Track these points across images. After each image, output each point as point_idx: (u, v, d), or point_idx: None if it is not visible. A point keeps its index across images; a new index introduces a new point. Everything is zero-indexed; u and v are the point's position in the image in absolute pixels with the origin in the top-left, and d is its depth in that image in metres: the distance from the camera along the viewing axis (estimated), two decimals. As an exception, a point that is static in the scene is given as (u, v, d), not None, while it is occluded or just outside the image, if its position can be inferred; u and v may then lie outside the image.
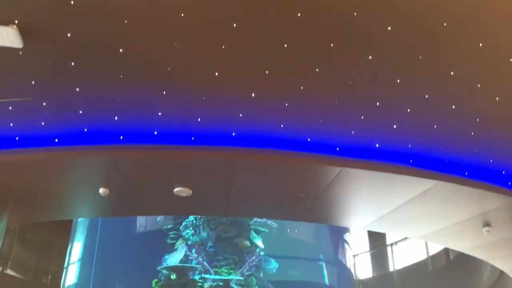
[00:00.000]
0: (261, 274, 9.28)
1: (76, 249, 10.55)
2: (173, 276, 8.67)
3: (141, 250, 9.63)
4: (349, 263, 11.60)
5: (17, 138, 4.05)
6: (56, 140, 4.05)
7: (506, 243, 5.75)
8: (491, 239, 5.64)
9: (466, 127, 4.47)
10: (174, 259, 8.93)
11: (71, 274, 10.23)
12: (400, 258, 12.65)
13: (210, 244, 9.06)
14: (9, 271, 10.09)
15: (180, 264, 8.74)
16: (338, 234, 11.45)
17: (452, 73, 3.95)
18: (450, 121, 4.38)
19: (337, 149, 4.37)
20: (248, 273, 8.95)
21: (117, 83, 3.80)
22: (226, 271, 8.77)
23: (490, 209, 4.98)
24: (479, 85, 4.09)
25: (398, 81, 3.98)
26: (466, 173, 4.63)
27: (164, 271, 8.78)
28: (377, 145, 4.40)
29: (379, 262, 13.25)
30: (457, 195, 4.78)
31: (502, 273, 7.74)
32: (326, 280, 10.54)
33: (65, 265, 10.48)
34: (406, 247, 12.76)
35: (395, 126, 4.32)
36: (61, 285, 10.29)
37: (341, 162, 4.38)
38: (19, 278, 10.83)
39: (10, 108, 3.88)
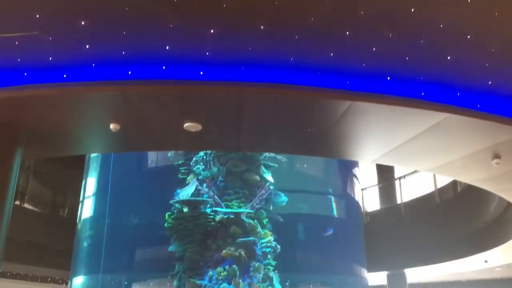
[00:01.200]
0: (271, 207, 9.50)
1: (90, 184, 10.82)
2: (185, 210, 8.91)
3: (153, 185, 9.85)
4: (358, 196, 11.80)
5: (25, 74, 4.04)
6: (65, 76, 4.03)
7: (514, 175, 5.79)
8: (500, 171, 5.67)
9: (480, 58, 4.37)
10: (185, 193, 9.13)
11: (87, 208, 10.56)
12: (408, 191, 12.85)
13: (221, 179, 9.22)
14: (26, 205, 10.46)
15: (191, 198, 8.95)
16: (347, 168, 11.57)
17: (469, 0, 3.80)
18: (465, 52, 4.28)
19: (348, 82, 4.32)
20: (258, 206, 9.15)
21: (124, 17, 3.72)
22: (237, 204, 8.98)
23: (501, 141, 4.97)
24: (496, 14, 3.94)
25: (412, 10, 3.85)
26: (478, 106, 4.57)
27: (177, 205, 9.00)
28: (388, 78, 4.34)
29: (387, 195, 13.50)
30: (468, 128, 4.76)
31: (509, 204, 7.86)
32: (335, 213, 10.79)
33: (81, 199, 10.80)
34: (414, 181, 12.92)
35: (407, 58, 4.23)
36: (78, 218, 10.66)
37: (351, 96, 4.33)
38: (37, 211, 11.26)
39: (16, 43, 3.84)
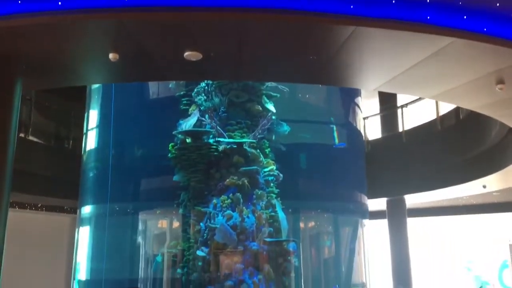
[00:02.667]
0: (273, 137, 9.57)
1: (93, 117, 10.84)
2: (188, 140, 8.99)
3: (155, 116, 9.86)
4: (359, 125, 11.84)
5: (19, 2, 3.92)
6: (60, 3, 3.91)
7: (517, 101, 5.77)
8: (504, 97, 5.64)
9: (490, -21, 4.21)
10: (188, 124, 9.17)
11: (91, 140, 10.67)
12: (410, 120, 12.87)
13: (223, 109, 9.22)
14: (31, 138, 10.55)
15: (194, 129, 9.00)
16: (349, 98, 11.51)
17: None
18: (474, -28, 4.11)
19: (351, 6, 4.19)
20: (260, 136, 9.22)
21: None
22: (239, 134, 9.04)
23: (506, 66, 4.90)
24: None
25: None
26: (485, 29, 4.46)
27: (180, 136, 9.07)
28: (393, 1, 4.20)
29: (389, 124, 13.53)
30: (474, 52, 4.67)
31: (509, 131, 7.89)
32: (336, 141, 10.88)
33: (84, 131, 10.87)
34: (416, 109, 12.89)
35: (414, -21, 4.08)
36: (83, 149, 10.79)
37: (355, 21, 4.22)
38: (42, 144, 11.37)
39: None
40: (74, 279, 9.92)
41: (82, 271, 9.79)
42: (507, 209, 14.55)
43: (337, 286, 9.64)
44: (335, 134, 10.99)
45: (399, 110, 13.05)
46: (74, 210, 11.82)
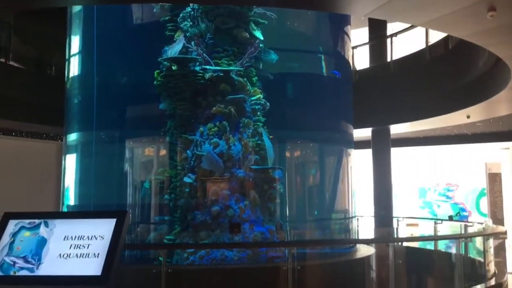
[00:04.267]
0: (261, 65, 9.44)
1: (75, 43, 10.52)
2: (174, 67, 8.83)
3: (140, 43, 9.58)
4: (348, 54, 11.70)
5: None
6: None
7: (507, 28, 5.70)
8: (494, 24, 5.57)
9: None
10: (173, 50, 8.95)
11: (74, 67, 10.42)
12: (399, 49, 12.76)
13: (209, 36, 8.98)
14: (12, 63, 10.28)
15: (180, 56, 8.81)
16: (338, 27, 11.27)
17: None
18: None
19: None
20: (248, 64, 9.08)
21: None
22: (226, 62, 8.89)
23: (499, -8, 4.79)
24: None
25: None
26: (481, -48, 4.31)
27: (165, 63, 8.90)
28: None
29: (377, 53, 13.41)
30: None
31: (497, 60, 7.88)
32: (324, 71, 10.79)
33: (66, 57, 10.58)
34: (406, 39, 12.75)
35: None
36: (66, 76, 10.57)
37: None
38: (23, 69, 11.10)
39: None
40: (63, 204, 10.10)
41: (71, 197, 9.95)
42: (489, 139, 14.89)
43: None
44: (323, 64, 10.88)
45: (388, 40, 12.90)
46: (60, 137, 11.82)
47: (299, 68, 10.45)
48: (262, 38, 9.22)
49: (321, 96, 10.15)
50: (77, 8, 10.05)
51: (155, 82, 8.94)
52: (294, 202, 9.85)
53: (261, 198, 8.64)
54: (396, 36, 12.61)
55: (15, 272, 4.04)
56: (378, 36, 13.51)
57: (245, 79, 9.00)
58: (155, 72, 8.93)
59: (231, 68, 8.81)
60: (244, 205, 8.29)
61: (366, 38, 14.14)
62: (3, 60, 9.99)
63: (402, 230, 12.55)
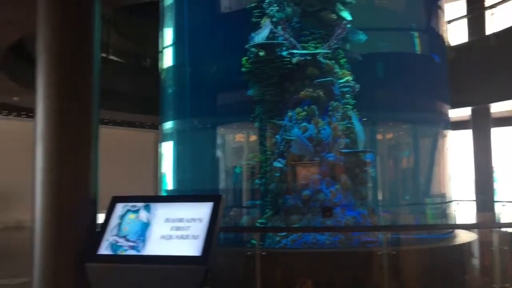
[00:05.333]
0: (349, 46, 9.22)
1: (168, 34, 11.00)
2: (261, 53, 8.91)
3: (228, 31, 9.78)
4: (442, 30, 11.04)
5: None
6: None
7: None
8: None
9: None
10: (260, 36, 9.03)
11: (167, 58, 10.91)
12: (500, 21, 11.80)
13: (296, 20, 8.93)
14: (112, 57, 11.01)
15: (267, 41, 8.86)
16: (430, 1, 10.67)
17: None
18: None
19: None
20: (335, 46, 8.91)
21: None
22: (313, 45, 8.80)
23: None
24: None
25: None
26: None
27: (252, 49, 9.00)
28: None
29: (475, 27, 12.51)
30: None
31: None
32: (417, 49, 10.28)
33: (160, 49, 11.10)
34: (507, 9, 11.77)
35: None
36: (160, 67, 11.10)
37: None
38: (122, 62, 11.86)
39: None
40: (161, 189, 10.70)
41: (168, 182, 10.51)
42: None
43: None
44: (416, 41, 10.38)
45: (487, 12, 11.97)
46: (156, 126, 12.52)
47: (390, 47, 10.04)
48: (350, 18, 8.99)
49: (414, 75, 9.71)
50: (169, 1, 10.48)
51: (243, 69, 9.08)
52: (387, 186, 9.58)
53: (352, 182, 8.50)
54: (495, 7, 11.66)
55: (122, 252, 4.37)
56: (475, 8, 12.59)
57: (333, 61, 8.86)
58: (243, 59, 9.07)
59: (318, 51, 8.71)
60: (335, 189, 8.21)
61: (462, 11, 13.25)
62: (104, 54, 10.71)
63: (506, 215, 11.71)
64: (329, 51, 8.80)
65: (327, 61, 8.76)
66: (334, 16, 8.94)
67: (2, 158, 19.45)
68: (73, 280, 4.49)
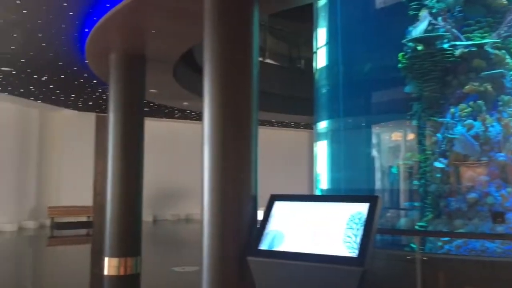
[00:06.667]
0: (523, 34, 8.26)
1: (321, 35, 11.09)
2: (419, 48, 8.47)
3: (383, 27, 9.51)
4: None
5: None
6: None
7: None
8: None
9: None
10: (418, 30, 8.57)
11: (321, 58, 11.00)
12: None
13: (458, 9, 8.30)
14: (268, 60, 11.50)
15: (425, 35, 8.39)
16: None
17: None
18: None
19: None
20: (506, 34, 8.06)
21: None
22: (479, 35, 8.08)
23: None
24: None
25: None
26: None
27: (410, 44, 8.61)
28: None
29: None
30: None
31: None
32: None
33: (314, 50, 11.25)
34: None
35: None
36: (314, 68, 11.25)
37: None
38: (277, 65, 12.32)
39: None
40: (316, 188, 10.84)
41: (322, 181, 10.60)
42: None
43: None
44: None
45: None
46: (310, 126, 12.71)
47: None
48: (524, 1, 8.04)
49: None
50: (322, 2, 10.57)
51: (399, 65, 8.73)
52: None
53: (528, 185, 7.59)
54: None
55: (277, 247, 4.55)
56: None
57: (503, 51, 8.02)
58: (399, 55, 8.73)
59: (486, 41, 7.96)
60: (506, 193, 7.43)
61: None
62: (260, 58, 11.25)
63: None
64: (498, 40, 7.99)
65: (496, 52, 7.96)
66: (504, 1, 8.08)
67: (174, 158, 21.71)
68: (238, 271, 4.82)
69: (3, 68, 12.31)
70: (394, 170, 9.37)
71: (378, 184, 9.59)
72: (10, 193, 17.83)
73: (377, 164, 9.70)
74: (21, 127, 18.60)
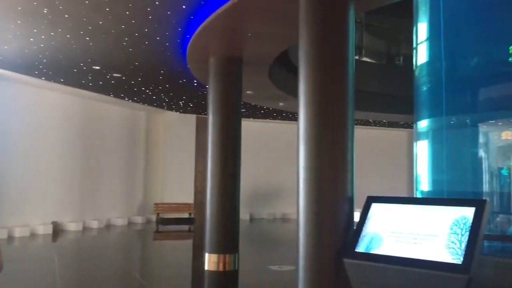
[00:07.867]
0: None
1: (422, 30, 10.58)
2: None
3: (489, 19, 8.85)
4: None
5: None
6: None
7: None
8: None
9: None
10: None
11: (421, 54, 10.49)
12: None
13: None
14: (364, 59, 11.24)
15: (541, 25, 7.70)
16: None
17: None
18: None
19: None
20: None
21: None
22: None
23: None
24: None
25: None
26: None
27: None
28: None
29: None
30: None
31: None
32: None
33: (414, 46, 10.76)
34: None
35: None
36: (414, 64, 10.78)
37: None
38: (374, 63, 11.99)
39: None
40: (416, 189, 10.38)
41: (423, 183, 10.13)
42: None
43: None
44: None
45: None
46: (409, 125, 12.20)
47: None
48: None
49: None
50: (422, -5, 10.11)
51: (509, 59, 8.09)
52: None
53: None
54: None
55: (375, 250, 4.43)
56: None
57: None
58: (510, 48, 8.08)
59: None
60: None
61: None
62: (356, 57, 11.03)
63: None
64: None
65: None
66: None
67: (271, 158, 22.03)
68: (334, 272, 4.79)
69: (115, 75, 13.37)
70: (504, 172, 8.69)
71: (485, 187, 8.95)
72: (121, 191, 19.31)
73: (484, 166, 9.05)
74: (130, 129, 20.08)
